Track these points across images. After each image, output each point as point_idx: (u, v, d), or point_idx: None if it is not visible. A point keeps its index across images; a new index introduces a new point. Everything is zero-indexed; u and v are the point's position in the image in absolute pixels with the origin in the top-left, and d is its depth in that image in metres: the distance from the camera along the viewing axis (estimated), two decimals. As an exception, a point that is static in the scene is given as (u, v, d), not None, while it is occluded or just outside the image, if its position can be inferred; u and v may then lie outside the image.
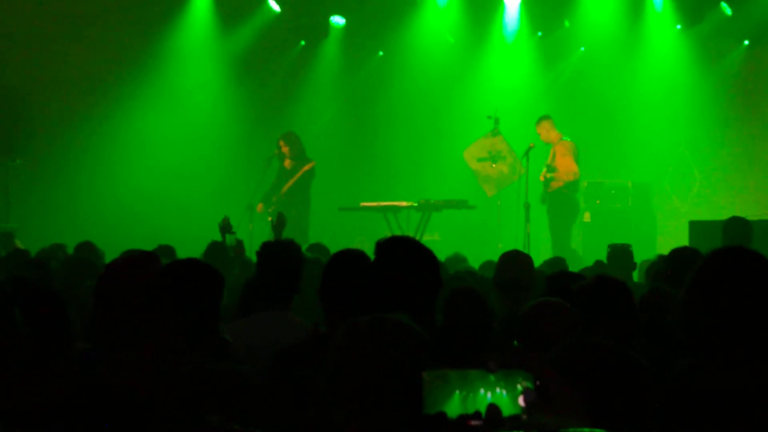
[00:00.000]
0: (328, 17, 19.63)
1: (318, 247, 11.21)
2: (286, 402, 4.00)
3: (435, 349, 3.18)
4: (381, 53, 20.07)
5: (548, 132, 15.59)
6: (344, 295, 4.84)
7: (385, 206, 15.65)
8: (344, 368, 3.10)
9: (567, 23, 19.08)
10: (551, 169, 15.37)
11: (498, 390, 2.84)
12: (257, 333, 5.64)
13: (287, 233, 13.18)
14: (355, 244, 16.22)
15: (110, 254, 10.35)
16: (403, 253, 4.56)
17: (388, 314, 3.25)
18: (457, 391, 2.84)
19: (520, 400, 2.82)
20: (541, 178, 15.41)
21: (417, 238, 14.92)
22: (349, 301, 4.75)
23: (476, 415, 2.81)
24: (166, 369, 3.47)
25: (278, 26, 19.74)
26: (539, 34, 19.43)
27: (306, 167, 16.16)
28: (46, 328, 3.74)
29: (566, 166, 15.38)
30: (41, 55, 17.63)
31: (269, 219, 10.54)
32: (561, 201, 15.50)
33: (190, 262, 4.87)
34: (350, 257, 5.24)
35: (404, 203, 15.42)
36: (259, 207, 16.00)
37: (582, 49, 19.42)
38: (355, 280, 4.75)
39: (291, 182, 16.21)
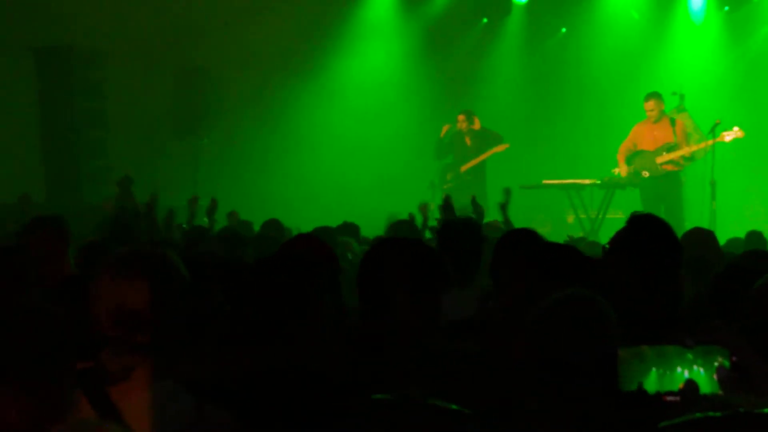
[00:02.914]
0: (511, -6, 19.60)
1: (494, 226, 11.07)
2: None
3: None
4: (564, 30, 19.91)
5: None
6: (512, 272, 4.82)
7: (568, 184, 15.50)
8: (540, 343, 3.15)
9: (755, -3, 18.59)
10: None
11: (695, 367, 2.85)
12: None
13: (465, 213, 13.28)
14: (536, 223, 16.20)
15: (296, 232, 10.61)
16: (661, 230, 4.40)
17: (578, 290, 3.28)
18: (654, 368, 2.87)
19: (718, 374, 2.83)
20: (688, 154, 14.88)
21: (600, 216, 14.85)
22: (517, 278, 4.73)
23: (672, 391, 2.83)
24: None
25: (461, 4, 19.77)
26: (726, 8, 18.98)
27: (499, 148, 16.16)
28: (243, 304, 3.86)
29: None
30: (228, 35, 18.00)
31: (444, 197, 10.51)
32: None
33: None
34: (519, 236, 5.31)
35: (587, 181, 15.24)
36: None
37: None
38: (520, 258, 4.73)
39: (478, 160, 16.24)
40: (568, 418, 3.03)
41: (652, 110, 14.80)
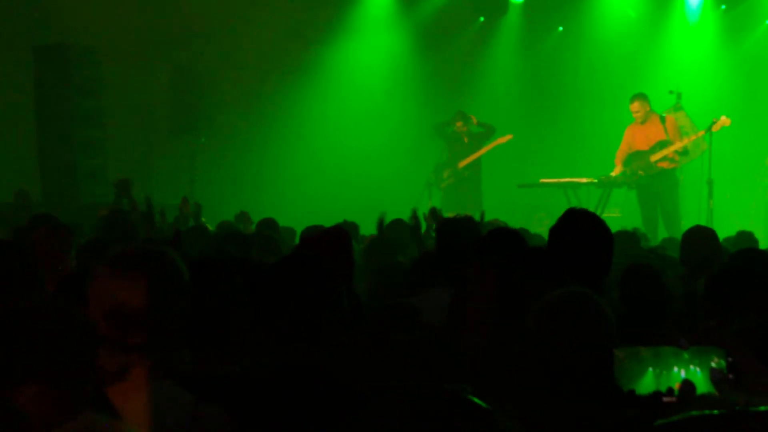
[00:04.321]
0: (508, -6, 19.62)
1: (495, 224, 11.04)
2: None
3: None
4: (561, 28, 19.93)
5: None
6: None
7: (565, 183, 15.53)
8: (537, 340, 3.16)
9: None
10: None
11: (692, 367, 2.86)
12: (436, 309, 5.71)
13: (462, 206, 13.31)
14: (534, 221, 16.22)
15: (294, 231, 10.63)
16: (587, 226, 4.55)
17: (574, 288, 3.29)
18: (651, 368, 2.88)
19: (713, 377, 2.84)
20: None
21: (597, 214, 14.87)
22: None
23: (669, 391, 2.84)
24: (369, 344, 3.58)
25: (457, 3, 19.78)
26: (723, 7, 19.00)
27: (501, 140, 16.17)
28: (266, 302, 3.87)
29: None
30: (224, 33, 18.01)
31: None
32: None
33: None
34: (505, 235, 5.34)
35: (584, 179, 15.28)
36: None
37: (767, 22, 18.90)
38: (510, 257, 4.75)
39: (478, 153, 16.24)
40: (564, 417, 3.04)
41: (637, 111, 14.85)
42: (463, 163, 16.21)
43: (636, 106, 14.87)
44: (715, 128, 14.43)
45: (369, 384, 3.35)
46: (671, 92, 16.20)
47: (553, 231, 4.65)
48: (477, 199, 16.08)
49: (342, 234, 5.14)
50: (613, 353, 2.94)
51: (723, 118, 14.49)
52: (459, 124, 16.32)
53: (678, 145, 14.60)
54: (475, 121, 16.42)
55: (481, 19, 20.20)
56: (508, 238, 5.39)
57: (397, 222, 9.83)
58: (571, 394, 3.07)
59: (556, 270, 4.39)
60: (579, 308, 3.17)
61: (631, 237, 8.82)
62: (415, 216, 9.92)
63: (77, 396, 2.88)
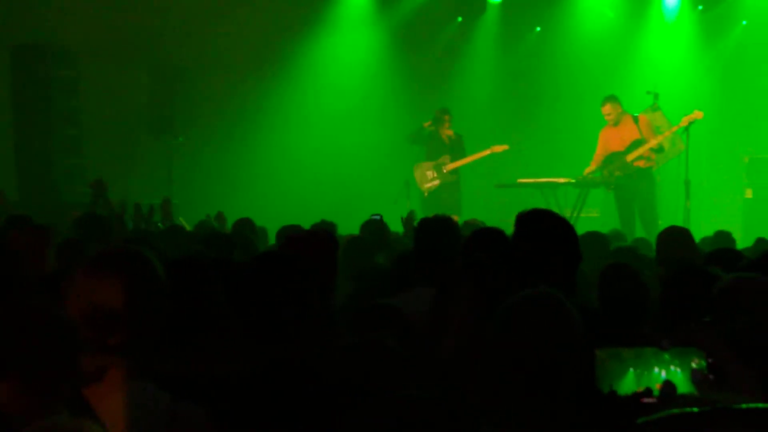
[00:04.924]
0: (486, -6, 19.65)
1: (473, 224, 11.04)
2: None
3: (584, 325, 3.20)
4: (538, 29, 19.97)
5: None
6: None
7: (543, 183, 15.52)
8: (502, 344, 3.15)
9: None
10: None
11: (672, 368, 2.86)
12: (416, 309, 5.70)
13: (443, 210, 13.26)
14: (511, 222, 16.21)
15: (269, 231, 10.61)
16: (539, 225, 4.55)
17: (539, 290, 3.28)
18: (632, 369, 2.88)
19: (693, 377, 2.84)
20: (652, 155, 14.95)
21: (574, 214, 14.88)
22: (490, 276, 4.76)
23: (648, 392, 2.84)
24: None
25: (435, 3, 19.80)
26: (700, 7, 19.08)
27: (497, 148, 16.12)
28: (246, 301, 3.86)
29: None
30: (203, 32, 17.96)
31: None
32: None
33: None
34: (489, 234, 5.34)
35: (562, 180, 15.26)
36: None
37: (744, 23, 18.98)
38: (492, 256, 4.74)
39: (468, 160, 16.19)
40: (539, 418, 3.03)
41: (609, 114, 14.86)
42: (450, 167, 16.11)
43: (608, 108, 14.88)
44: (685, 121, 14.42)
45: (346, 385, 3.34)
46: (648, 93, 16.23)
47: (514, 235, 4.66)
48: (458, 203, 16.06)
49: (328, 237, 5.12)
50: (582, 354, 2.94)
51: (695, 111, 14.49)
52: (447, 117, 16.19)
53: (653, 143, 14.61)
54: (448, 129, 16.24)
55: (459, 18, 20.23)
56: (492, 238, 5.38)
57: (373, 221, 9.80)
58: (544, 395, 3.06)
59: (520, 271, 4.39)
60: (539, 309, 3.16)
61: (600, 238, 8.78)
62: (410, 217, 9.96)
63: (53, 396, 2.87)
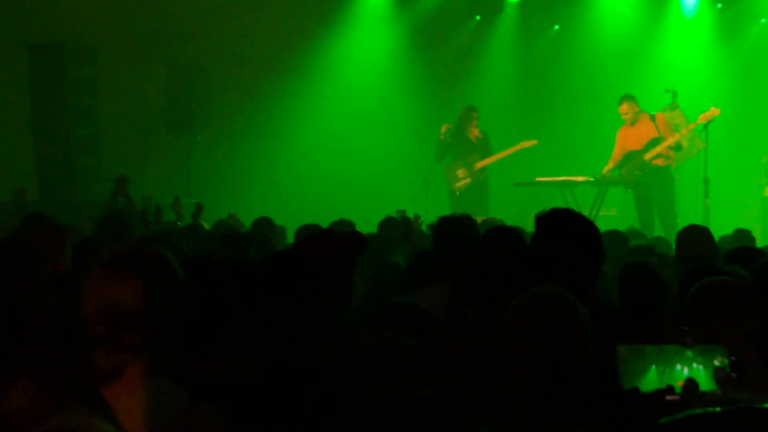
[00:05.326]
0: (504, -7, 19.64)
1: (490, 222, 11.00)
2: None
3: (592, 322, 3.18)
4: (556, 27, 19.93)
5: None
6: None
7: (561, 181, 15.49)
8: (511, 341, 3.13)
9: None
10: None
11: (695, 365, 2.84)
12: (433, 306, 5.69)
13: (471, 208, 13.26)
14: (530, 220, 16.18)
15: (288, 229, 10.61)
16: (563, 225, 4.52)
17: (548, 288, 3.27)
18: (654, 366, 2.85)
19: (716, 375, 2.82)
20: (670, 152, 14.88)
21: (593, 213, 14.85)
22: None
23: (671, 389, 2.81)
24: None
25: (453, 1, 19.78)
26: (719, 6, 19.01)
27: (525, 144, 16.11)
28: (258, 300, 3.85)
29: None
30: (221, 31, 17.98)
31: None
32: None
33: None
34: (502, 233, 5.33)
35: (580, 178, 15.24)
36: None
37: (763, 20, 18.91)
38: (503, 255, 4.72)
39: (499, 156, 16.16)
40: (558, 416, 3.02)
41: (626, 113, 14.86)
42: (480, 164, 16.08)
43: (624, 107, 14.87)
44: (703, 118, 14.37)
45: (358, 385, 3.33)
46: (667, 91, 16.18)
47: (538, 234, 4.62)
48: (485, 201, 16.04)
49: (347, 237, 5.09)
50: (590, 352, 2.92)
51: (712, 108, 14.44)
52: (476, 114, 16.13)
53: (670, 140, 14.58)
54: (475, 128, 16.21)
55: (477, 17, 20.22)
56: (506, 237, 5.37)
57: (389, 220, 9.80)
58: (561, 393, 3.04)
59: (541, 270, 4.37)
60: (544, 307, 3.14)
61: (619, 237, 8.77)
62: (404, 218, 9.92)
63: (68, 394, 2.86)
